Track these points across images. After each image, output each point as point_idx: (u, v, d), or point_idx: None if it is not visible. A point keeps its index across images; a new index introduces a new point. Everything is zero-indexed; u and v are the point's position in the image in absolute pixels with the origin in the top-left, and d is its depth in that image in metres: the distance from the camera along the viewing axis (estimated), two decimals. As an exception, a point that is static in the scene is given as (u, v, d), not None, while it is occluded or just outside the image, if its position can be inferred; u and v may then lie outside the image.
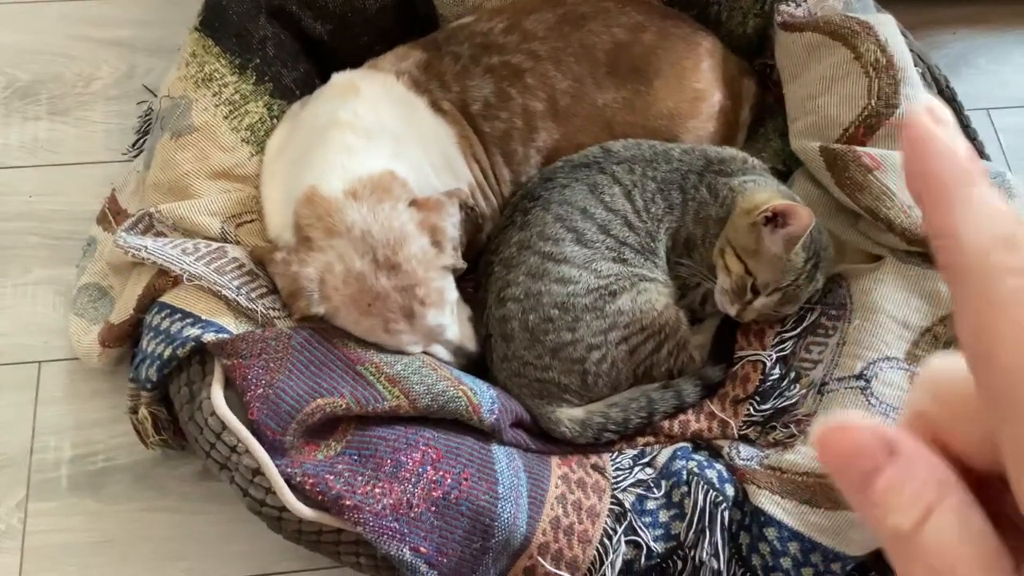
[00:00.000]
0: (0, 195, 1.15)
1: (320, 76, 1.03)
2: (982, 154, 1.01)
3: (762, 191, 0.92)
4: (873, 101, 0.93)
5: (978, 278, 0.21)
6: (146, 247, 0.90)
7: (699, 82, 1.04)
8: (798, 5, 1.04)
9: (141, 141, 1.17)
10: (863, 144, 0.94)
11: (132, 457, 0.99)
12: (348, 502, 0.77)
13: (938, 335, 0.85)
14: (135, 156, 1.15)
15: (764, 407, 0.88)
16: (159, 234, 0.94)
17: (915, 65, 0.99)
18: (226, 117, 0.98)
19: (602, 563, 0.81)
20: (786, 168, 1.04)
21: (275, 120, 1.01)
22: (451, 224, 0.90)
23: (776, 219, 0.87)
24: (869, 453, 0.22)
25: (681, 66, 1.04)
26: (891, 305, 0.87)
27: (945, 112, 0.23)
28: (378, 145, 0.92)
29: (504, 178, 1.04)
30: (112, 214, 1.08)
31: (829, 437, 0.23)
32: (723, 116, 1.04)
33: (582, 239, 0.92)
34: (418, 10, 1.10)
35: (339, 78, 1.00)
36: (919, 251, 0.90)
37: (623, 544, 0.82)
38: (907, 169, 0.23)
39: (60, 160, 1.17)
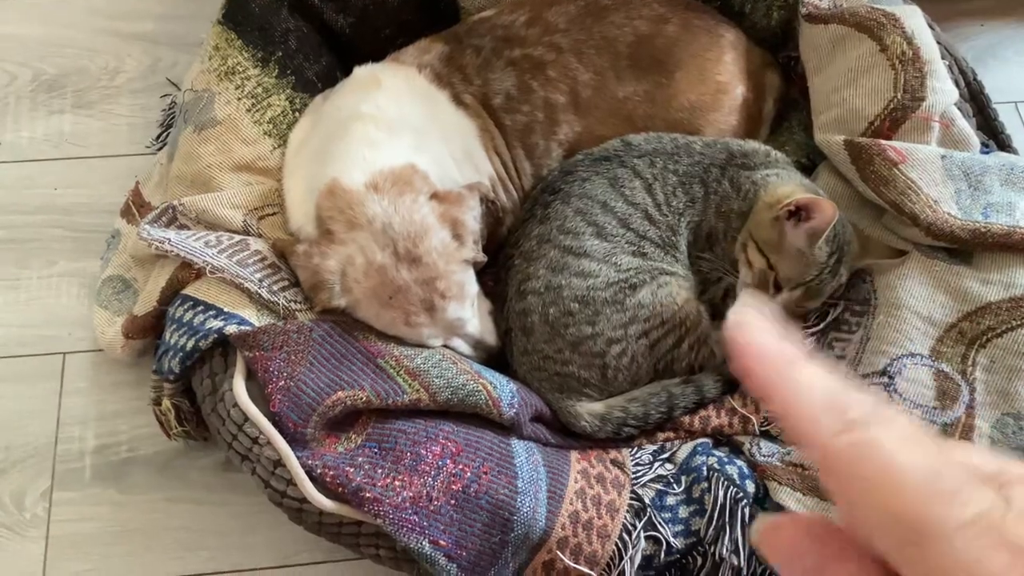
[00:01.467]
0: (25, 188, 1.16)
1: (342, 69, 1.03)
2: (1008, 147, 1.00)
3: (785, 185, 0.91)
4: (899, 94, 0.92)
5: (817, 445, 0.25)
6: (169, 239, 0.90)
7: (721, 75, 1.03)
8: (823, -3, 1.03)
9: (164, 134, 1.18)
10: (888, 137, 0.93)
11: (155, 448, 1.00)
12: (368, 494, 0.77)
13: (963, 331, 0.83)
14: (159, 149, 1.16)
15: (787, 403, 0.87)
16: (182, 227, 0.95)
17: (942, 58, 0.98)
18: (249, 110, 0.98)
19: (621, 558, 0.81)
20: (810, 162, 1.03)
21: (297, 113, 1.01)
22: (472, 217, 0.90)
23: (799, 213, 0.86)
24: (805, 552, 0.26)
25: (703, 58, 1.03)
26: (915, 301, 0.86)
27: (753, 315, 0.28)
28: (400, 138, 0.92)
29: (525, 171, 1.03)
30: (136, 207, 1.09)
31: (766, 538, 0.27)
32: (746, 109, 1.03)
33: (602, 233, 0.92)
34: (440, 3, 1.10)
35: (361, 71, 1.00)
36: (944, 246, 0.89)
37: (642, 539, 0.81)
38: (735, 368, 0.28)
39: (85, 153, 1.18)
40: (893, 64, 0.94)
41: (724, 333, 0.28)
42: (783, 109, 1.08)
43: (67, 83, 1.24)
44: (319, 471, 0.79)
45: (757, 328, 0.28)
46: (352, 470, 0.79)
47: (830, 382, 0.26)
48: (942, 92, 0.94)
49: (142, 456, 1.00)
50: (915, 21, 0.99)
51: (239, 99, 0.99)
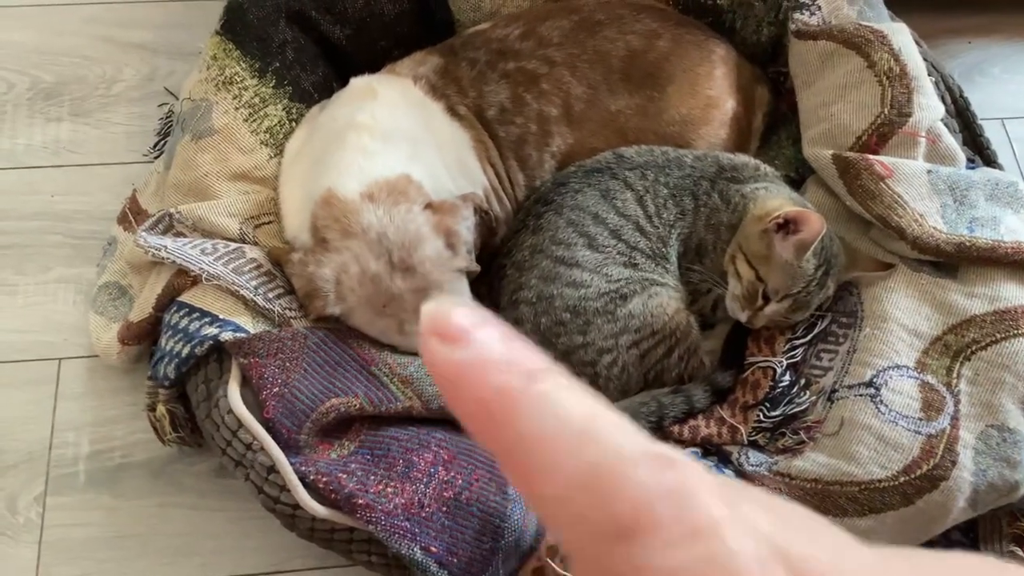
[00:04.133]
0: (23, 195, 1.17)
1: (338, 80, 1.04)
2: (993, 163, 1.01)
3: (774, 198, 0.93)
4: (886, 110, 0.94)
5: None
6: (166, 247, 0.91)
7: (712, 89, 1.04)
8: (812, 14, 1.04)
9: (162, 143, 1.19)
10: (876, 152, 0.94)
11: (149, 453, 1.00)
12: (360, 501, 0.78)
13: (949, 343, 0.85)
14: (155, 157, 1.17)
15: (774, 413, 0.88)
16: (179, 234, 0.96)
17: (929, 74, 1.00)
18: (246, 120, 0.99)
19: (611, 565, 0.81)
20: (798, 176, 1.04)
21: (294, 123, 1.03)
22: (465, 227, 0.92)
23: (788, 226, 0.88)
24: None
25: (694, 73, 1.04)
26: (901, 313, 0.87)
27: (464, 321, 0.22)
28: (395, 148, 0.93)
29: (518, 182, 1.05)
30: (133, 214, 1.10)
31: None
32: (736, 123, 1.05)
33: (593, 244, 0.93)
34: (435, 16, 1.11)
35: (357, 82, 1.01)
36: (930, 260, 0.91)
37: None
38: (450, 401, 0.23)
39: (82, 161, 1.19)
40: (880, 80, 0.95)
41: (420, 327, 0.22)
42: (772, 123, 1.10)
43: (65, 91, 1.25)
44: (312, 477, 0.79)
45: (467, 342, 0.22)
46: (345, 476, 0.80)
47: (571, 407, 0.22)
48: (929, 108, 0.96)
49: (136, 461, 1.01)
50: (902, 38, 1.01)
51: (236, 109, 1.00)
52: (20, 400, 1.04)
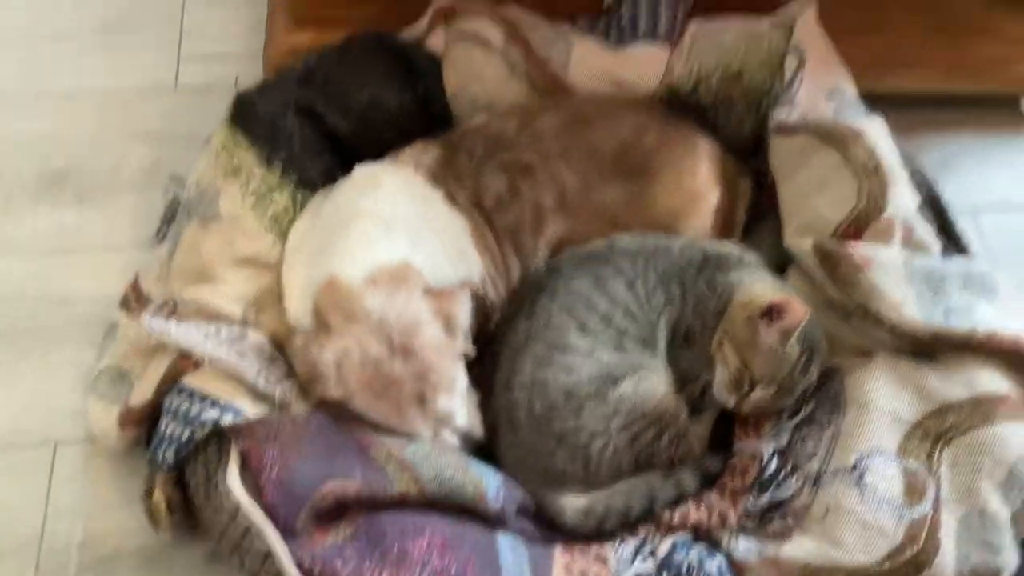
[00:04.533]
0: (26, 278, 1.19)
1: (342, 168, 1.09)
2: (966, 253, 1.05)
3: (758, 286, 0.97)
4: (862, 203, 0.99)
5: None
6: (171, 331, 0.94)
7: (697, 182, 1.10)
8: (791, 111, 1.11)
9: (166, 228, 1.22)
10: (854, 242, 0.99)
11: (142, 540, 1.00)
12: (356, 586, 0.78)
13: (928, 429, 0.88)
14: (159, 243, 1.20)
15: (762, 499, 0.90)
16: (183, 318, 0.98)
17: (904, 167, 1.06)
18: (252, 207, 1.04)
19: (605, 651, 0.82)
20: (781, 265, 1.09)
21: (299, 210, 1.07)
22: (463, 313, 0.95)
23: (771, 313, 0.91)
24: None
25: (681, 166, 1.10)
26: (883, 399, 0.90)
27: None
28: (397, 236, 0.97)
29: (513, 268, 1.09)
30: (135, 299, 1.12)
31: None
32: (720, 214, 1.10)
33: (585, 328, 0.96)
34: (434, 109, 1.17)
35: (361, 171, 1.06)
36: (909, 346, 0.94)
37: (625, 632, 0.83)
38: None
39: (87, 245, 1.22)
40: (856, 174, 1.01)
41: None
42: (756, 213, 1.15)
43: (72, 177, 1.29)
44: (308, 564, 0.80)
45: None
46: (340, 563, 0.81)
47: None
48: (903, 200, 1.01)
49: (129, 550, 1.00)
50: (877, 133, 1.07)
51: (243, 196, 1.04)
52: (13, 485, 1.03)
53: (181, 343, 0.94)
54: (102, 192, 1.28)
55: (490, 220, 1.07)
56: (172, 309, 0.99)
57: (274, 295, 1.03)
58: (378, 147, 1.11)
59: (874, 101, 1.15)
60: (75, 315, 1.16)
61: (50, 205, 1.26)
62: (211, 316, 0.98)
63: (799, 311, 0.90)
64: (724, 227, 1.11)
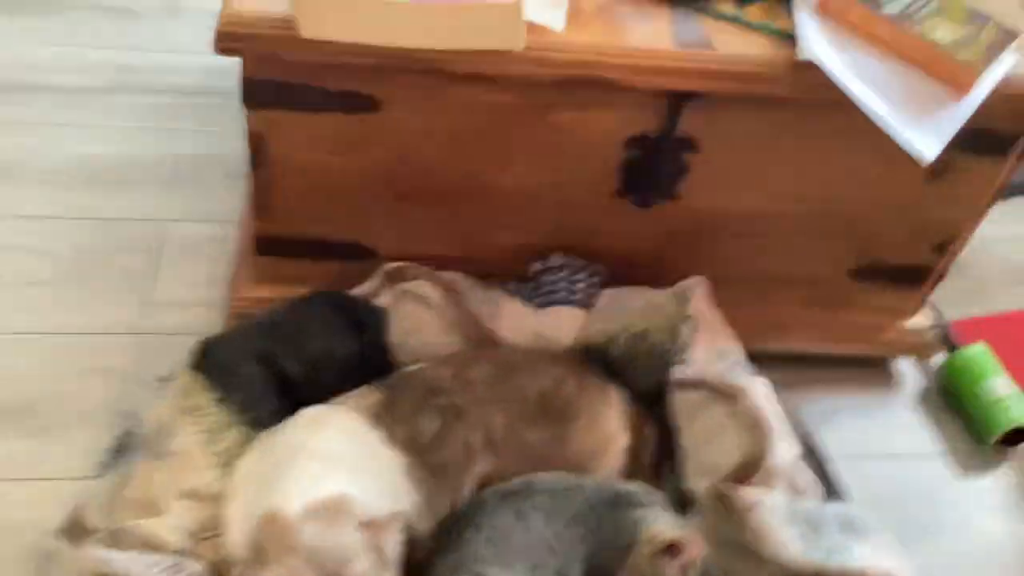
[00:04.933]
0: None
1: (291, 409, 1.20)
2: (843, 499, 1.20)
3: (661, 523, 1.08)
4: (748, 452, 1.14)
5: None
6: (112, 560, 0.99)
7: (610, 426, 1.24)
8: (687, 369, 1.28)
9: (112, 461, 1.28)
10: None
11: None
12: None
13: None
14: (105, 474, 1.25)
15: None
16: (126, 548, 1.03)
17: (785, 420, 1.22)
18: (204, 443, 1.13)
19: None
20: (682, 504, 1.20)
21: (247, 446, 1.16)
22: (393, 545, 1.03)
23: (672, 549, 1.02)
24: None
25: (595, 412, 1.25)
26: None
27: None
28: (337, 472, 1.07)
29: (443, 503, 1.18)
30: (77, 529, 1.16)
31: None
32: (629, 455, 1.24)
33: (506, 562, 1.04)
34: (377, 358, 1.32)
35: (308, 412, 1.17)
36: (797, 580, 1.05)
37: None
38: None
39: (35, 476, 1.27)
40: (742, 427, 1.17)
41: None
42: (660, 456, 1.29)
43: (25, 411, 1.34)
44: None
45: None
46: None
47: None
48: (783, 450, 1.16)
49: None
50: (762, 389, 1.24)
51: (196, 433, 1.14)
52: None
53: (120, 572, 0.98)
54: (56, 425, 1.34)
55: (424, 458, 1.17)
56: (116, 539, 1.04)
57: (215, 526, 1.09)
58: (326, 390, 1.23)
59: (762, 361, 1.33)
60: (20, 546, 1.17)
61: (2, 436, 1.32)
62: (153, 546, 1.04)
63: (696, 547, 1.01)
64: (632, 467, 1.23)
